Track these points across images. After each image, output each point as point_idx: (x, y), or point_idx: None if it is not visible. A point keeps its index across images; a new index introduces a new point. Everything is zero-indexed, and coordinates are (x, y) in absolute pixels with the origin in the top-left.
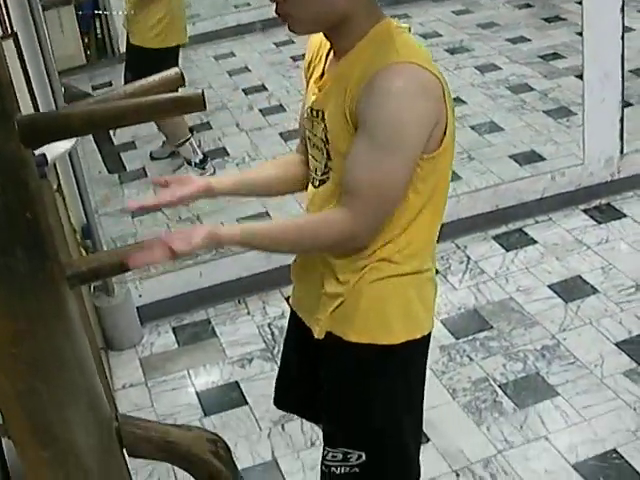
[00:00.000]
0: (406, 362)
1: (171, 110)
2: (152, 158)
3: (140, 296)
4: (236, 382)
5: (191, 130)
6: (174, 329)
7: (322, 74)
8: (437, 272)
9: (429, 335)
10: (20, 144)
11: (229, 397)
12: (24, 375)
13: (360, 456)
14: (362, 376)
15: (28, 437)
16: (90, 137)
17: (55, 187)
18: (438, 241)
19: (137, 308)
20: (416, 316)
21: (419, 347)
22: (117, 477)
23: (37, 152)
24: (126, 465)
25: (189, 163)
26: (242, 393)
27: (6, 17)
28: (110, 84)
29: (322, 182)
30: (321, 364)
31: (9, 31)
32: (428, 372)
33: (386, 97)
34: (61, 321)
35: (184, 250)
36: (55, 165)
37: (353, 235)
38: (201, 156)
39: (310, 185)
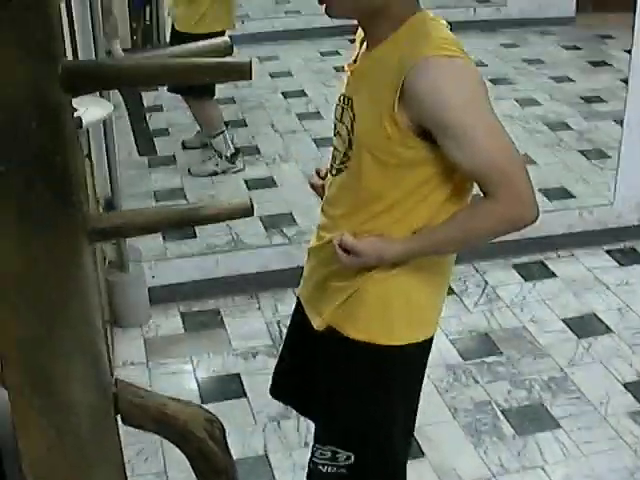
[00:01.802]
0: (404, 365)
1: (217, 74)
2: (184, 147)
3: (153, 277)
4: (238, 374)
5: (226, 124)
6: (182, 314)
7: (355, 60)
8: (453, 292)
9: (431, 340)
10: (61, 88)
11: (229, 388)
12: (29, 319)
13: (349, 457)
14: (357, 375)
15: (23, 383)
16: (125, 117)
17: (85, 153)
18: (457, 262)
19: (149, 288)
20: (419, 319)
21: (418, 351)
22: (109, 441)
23: (74, 115)
24: (118, 432)
25: (220, 156)
26: (242, 386)
27: None
28: None
29: (339, 171)
30: (318, 358)
31: None
32: (431, 388)
33: (438, 94)
34: (74, 271)
35: (349, 265)
36: (88, 132)
37: (521, 215)
38: (233, 150)
39: (329, 174)
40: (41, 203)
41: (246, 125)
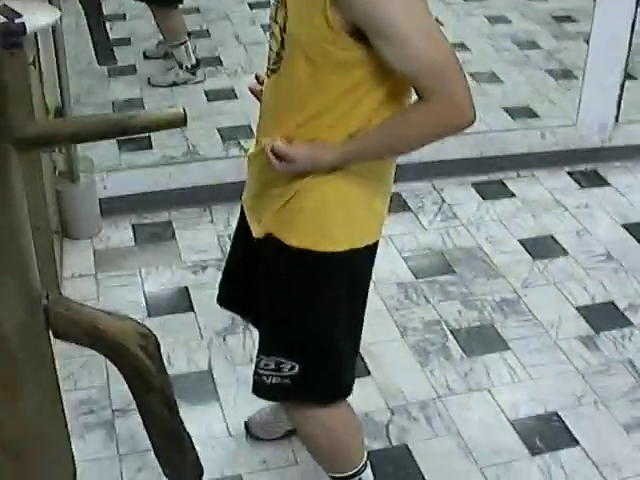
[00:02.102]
0: (345, 271)
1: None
2: (145, 57)
3: (105, 188)
4: (186, 287)
5: (189, 34)
6: (134, 226)
7: None
8: (409, 209)
9: (375, 245)
10: None
11: (176, 302)
12: None
13: (293, 367)
14: (297, 283)
15: None
16: (84, 25)
17: (31, 60)
18: (415, 179)
19: (100, 200)
20: (361, 224)
21: (361, 256)
22: (40, 356)
23: (17, 21)
24: (50, 347)
25: (180, 67)
26: (190, 299)
27: None
28: None
29: (273, 72)
30: (258, 266)
31: None
32: (380, 306)
33: None
34: (1, 185)
35: (283, 172)
36: (37, 38)
37: (455, 117)
38: (194, 61)
39: (265, 76)
40: None
41: (209, 36)
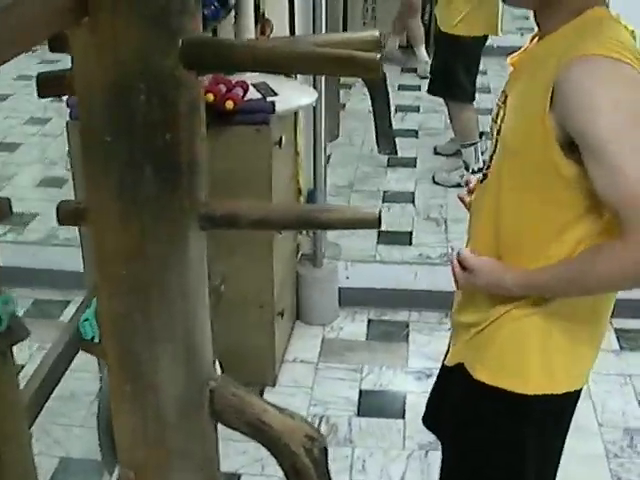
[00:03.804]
0: (539, 419)
1: (345, 67)
2: (435, 152)
3: (347, 278)
4: (404, 393)
5: (481, 135)
6: (369, 321)
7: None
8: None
9: (575, 395)
10: (179, 63)
11: (389, 406)
12: (124, 298)
13: None
14: (484, 423)
15: (115, 365)
16: (370, 114)
17: (277, 139)
18: None
19: (340, 289)
20: (561, 371)
21: (556, 404)
22: (198, 435)
23: (269, 99)
24: (215, 431)
25: (466, 168)
26: (404, 406)
27: None
28: (415, 70)
29: (485, 177)
30: (448, 395)
31: None
32: (599, 450)
33: (588, 97)
34: (177, 257)
35: (462, 282)
36: (296, 119)
37: None
38: (481, 164)
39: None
40: (147, 183)
41: None
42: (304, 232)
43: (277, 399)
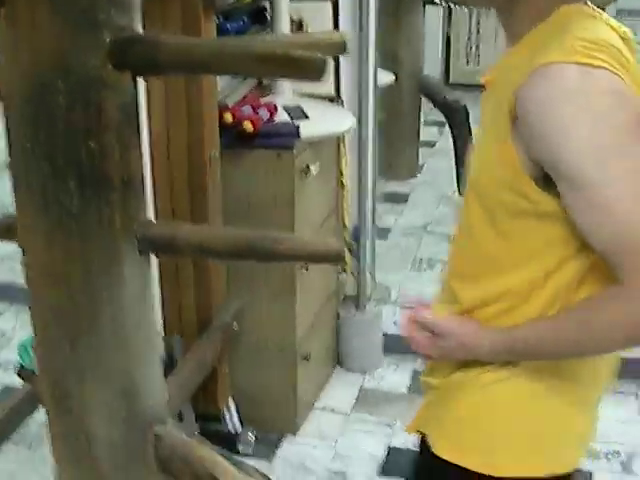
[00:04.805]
0: None
1: (278, 69)
2: None
3: (395, 323)
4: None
5: None
6: (414, 372)
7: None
8: None
9: (566, 478)
10: (107, 62)
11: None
12: (52, 325)
13: None
14: None
15: (48, 401)
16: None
17: (303, 167)
18: None
19: (385, 335)
20: (538, 447)
21: None
22: None
23: (296, 122)
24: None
25: None
26: None
27: None
28: None
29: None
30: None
31: None
32: None
33: (551, 117)
34: (110, 284)
35: (425, 350)
36: (339, 148)
37: None
38: None
39: None
40: (69, 197)
41: None
42: (348, 271)
43: (295, 450)
